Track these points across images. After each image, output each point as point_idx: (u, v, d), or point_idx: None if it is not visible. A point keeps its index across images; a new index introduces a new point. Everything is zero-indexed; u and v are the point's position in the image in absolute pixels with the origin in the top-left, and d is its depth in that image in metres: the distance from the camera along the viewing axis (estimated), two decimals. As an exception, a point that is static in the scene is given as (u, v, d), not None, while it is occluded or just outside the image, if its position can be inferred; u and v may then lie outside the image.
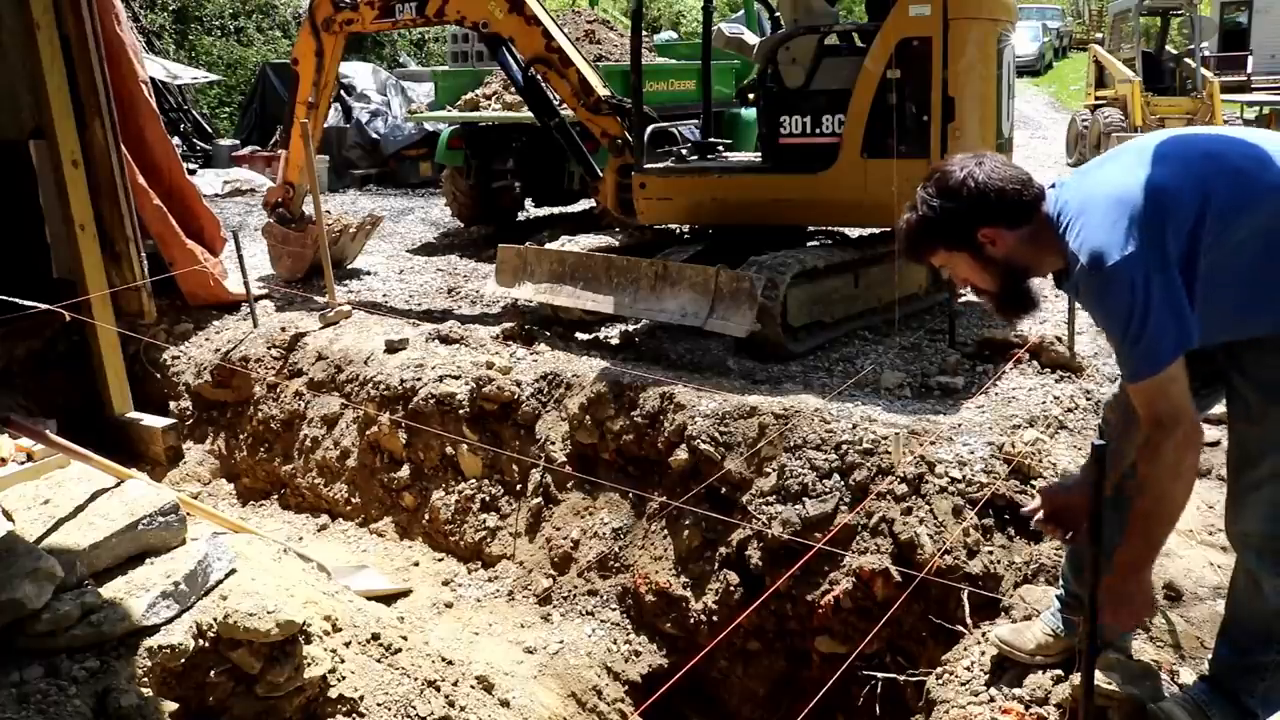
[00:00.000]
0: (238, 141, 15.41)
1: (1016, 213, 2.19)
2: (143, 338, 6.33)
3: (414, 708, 3.28)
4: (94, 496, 3.38)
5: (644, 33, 7.43)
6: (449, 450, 5.12)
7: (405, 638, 3.53)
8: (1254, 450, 2.25)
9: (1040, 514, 2.49)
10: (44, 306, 4.40)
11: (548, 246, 6.19)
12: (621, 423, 4.65)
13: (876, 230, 5.95)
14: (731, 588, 4.10)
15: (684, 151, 6.34)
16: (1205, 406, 2.60)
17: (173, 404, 6.35)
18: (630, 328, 6.11)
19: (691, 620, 4.20)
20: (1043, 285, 2.41)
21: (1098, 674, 2.47)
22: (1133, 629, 2.23)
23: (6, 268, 5.19)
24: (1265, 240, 2.09)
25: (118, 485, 3.48)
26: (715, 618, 4.10)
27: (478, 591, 4.72)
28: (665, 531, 4.40)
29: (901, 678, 3.43)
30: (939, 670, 3.12)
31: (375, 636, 3.43)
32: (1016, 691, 2.76)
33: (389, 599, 4.52)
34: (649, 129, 6.09)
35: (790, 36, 5.72)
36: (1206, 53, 16.59)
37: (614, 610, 4.39)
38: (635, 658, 4.27)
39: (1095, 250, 2.06)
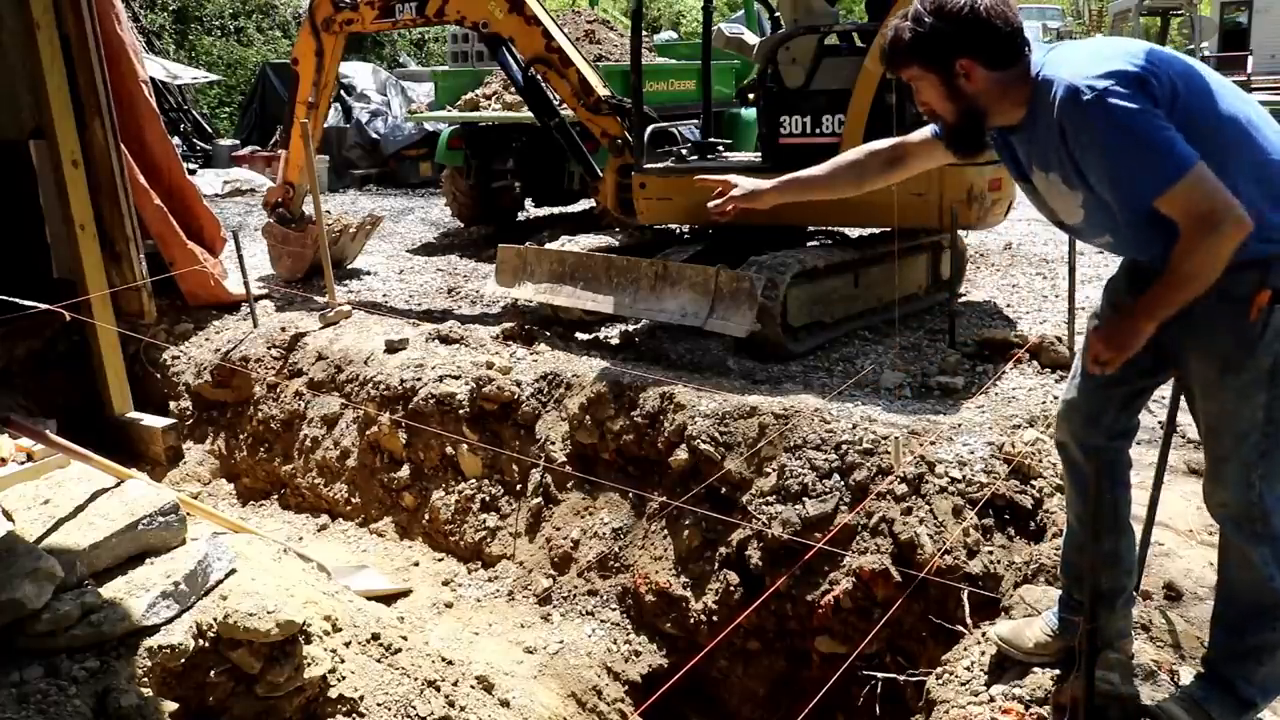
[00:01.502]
0: (238, 141, 15.43)
1: (1000, 54, 2.19)
2: (143, 338, 6.33)
3: (414, 708, 3.28)
4: (94, 496, 3.37)
5: (644, 33, 7.43)
6: (449, 450, 5.12)
7: (405, 638, 3.53)
8: (1216, 423, 2.27)
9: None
10: (44, 306, 4.40)
11: (548, 246, 6.19)
12: (621, 423, 4.65)
13: (876, 230, 5.94)
14: (731, 588, 4.10)
15: (684, 151, 6.34)
16: (1149, 398, 2.62)
17: (173, 404, 6.35)
18: (630, 328, 6.11)
19: (691, 620, 4.20)
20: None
21: (1098, 674, 2.47)
22: (1104, 362, 2.23)
23: (6, 268, 5.19)
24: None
25: (118, 485, 3.47)
26: (715, 618, 4.10)
27: (478, 591, 4.72)
28: (665, 531, 4.40)
29: (901, 678, 3.43)
30: (939, 670, 3.12)
31: (375, 636, 3.43)
32: (1016, 691, 2.76)
33: (389, 599, 4.52)
34: (649, 129, 6.09)
35: (790, 36, 5.72)
36: (1206, 52, 16.62)
37: (614, 610, 4.39)
38: (635, 658, 4.27)
39: (1087, 79, 2.05)
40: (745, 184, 2.69)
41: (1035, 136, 2.23)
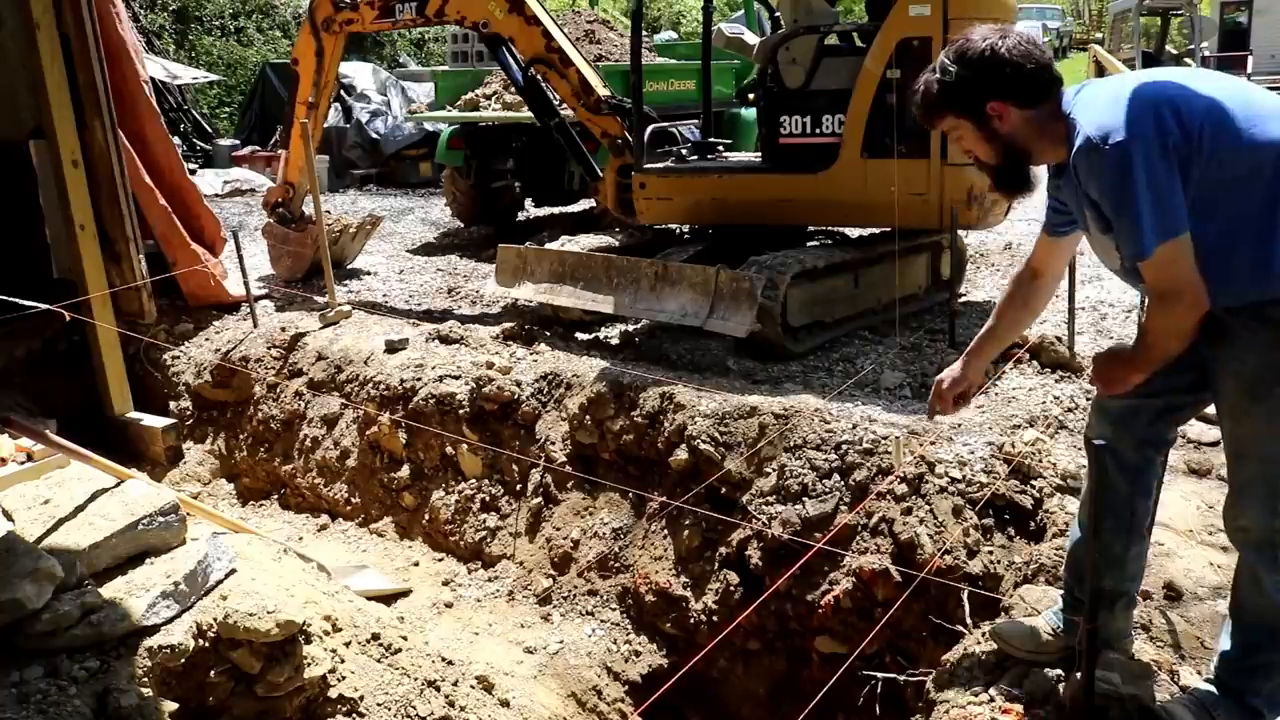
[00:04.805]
0: (238, 141, 15.42)
1: (1029, 92, 2.21)
2: (143, 338, 6.33)
3: (414, 708, 3.28)
4: (94, 496, 3.37)
5: (644, 33, 7.44)
6: (449, 450, 5.12)
7: (405, 638, 3.53)
8: (1242, 447, 2.26)
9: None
10: (44, 306, 4.39)
11: (548, 246, 6.19)
12: (621, 423, 4.65)
13: (876, 230, 5.94)
14: (731, 588, 4.10)
15: (684, 151, 6.34)
16: (1192, 414, 2.66)
17: (173, 404, 6.35)
18: (630, 328, 6.11)
19: (691, 620, 4.20)
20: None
21: (1098, 674, 2.47)
22: (1103, 390, 2.42)
23: (6, 268, 5.19)
24: (1265, 193, 2.08)
25: (118, 485, 3.47)
26: (715, 618, 4.10)
27: (478, 591, 4.72)
28: (665, 531, 4.40)
29: (901, 678, 3.42)
30: (939, 670, 3.12)
31: (375, 636, 3.43)
32: (1016, 691, 2.76)
33: (389, 599, 4.52)
34: (649, 129, 6.09)
35: (790, 36, 5.72)
36: (1206, 53, 16.63)
37: (614, 610, 4.39)
38: (635, 658, 4.27)
39: (1099, 129, 2.08)
40: (947, 375, 2.85)
41: (1071, 176, 2.25)
